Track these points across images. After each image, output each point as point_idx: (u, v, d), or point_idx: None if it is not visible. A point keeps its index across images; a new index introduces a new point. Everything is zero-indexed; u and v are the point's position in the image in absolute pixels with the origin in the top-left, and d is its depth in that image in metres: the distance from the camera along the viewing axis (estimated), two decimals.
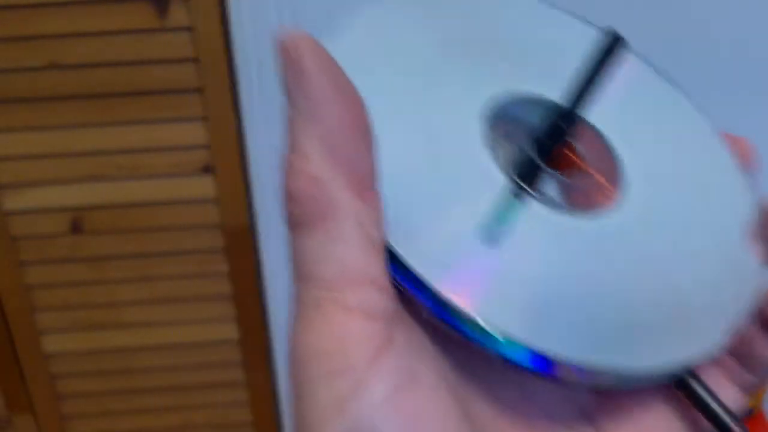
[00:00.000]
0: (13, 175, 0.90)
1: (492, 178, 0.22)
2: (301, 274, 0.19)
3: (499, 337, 0.20)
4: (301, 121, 0.19)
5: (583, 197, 0.24)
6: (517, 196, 0.22)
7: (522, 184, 0.22)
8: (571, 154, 0.24)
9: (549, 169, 0.23)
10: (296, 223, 0.19)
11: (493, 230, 0.21)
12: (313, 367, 0.18)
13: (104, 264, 0.96)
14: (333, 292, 0.19)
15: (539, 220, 0.22)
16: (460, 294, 0.20)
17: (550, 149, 0.23)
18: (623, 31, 0.22)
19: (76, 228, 0.94)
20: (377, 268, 0.19)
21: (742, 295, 0.23)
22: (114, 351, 1.02)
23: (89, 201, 0.92)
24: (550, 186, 0.23)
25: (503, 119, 0.24)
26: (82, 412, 1.06)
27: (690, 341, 0.22)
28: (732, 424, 0.23)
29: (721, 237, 0.24)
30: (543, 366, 0.20)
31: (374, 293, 0.19)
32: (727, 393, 0.24)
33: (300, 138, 0.19)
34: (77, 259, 0.95)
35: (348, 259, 0.19)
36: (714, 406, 0.23)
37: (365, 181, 0.19)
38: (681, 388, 0.23)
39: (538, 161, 0.23)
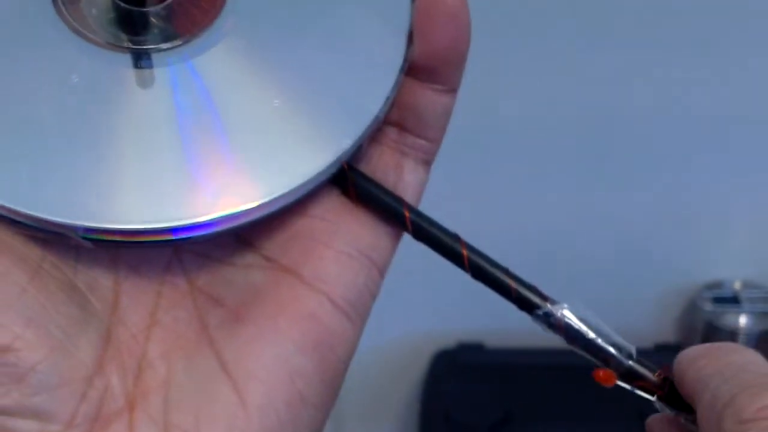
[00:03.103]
0: None
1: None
2: None
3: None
4: None
5: (188, 18, 0.23)
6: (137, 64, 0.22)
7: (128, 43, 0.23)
8: None
9: (140, 7, 0.23)
10: None
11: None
12: None
13: None
14: None
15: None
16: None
17: None
18: None
19: None
20: None
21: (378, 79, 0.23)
22: None
23: None
24: (157, 20, 0.23)
25: None
26: None
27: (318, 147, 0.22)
28: (395, 205, 0.23)
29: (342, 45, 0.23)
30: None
31: None
32: (401, 171, 0.24)
33: None
34: None
35: None
36: (377, 193, 0.23)
37: None
38: (342, 186, 0.23)
39: (126, 4, 0.23)
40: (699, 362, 0.23)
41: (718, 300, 0.89)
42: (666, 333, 0.94)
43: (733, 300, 0.89)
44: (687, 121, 0.84)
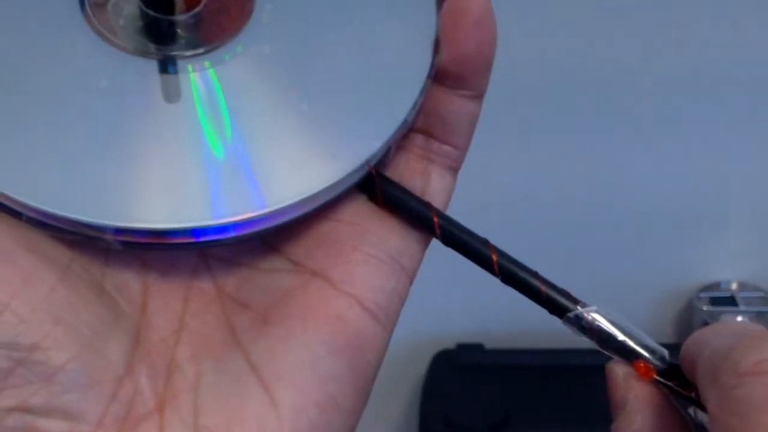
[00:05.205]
0: None
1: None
2: None
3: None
4: None
5: (217, 26, 0.24)
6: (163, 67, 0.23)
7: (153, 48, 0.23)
8: None
9: (167, 15, 0.23)
10: None
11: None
12: None
13: None
14: None
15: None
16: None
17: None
18: None
19: None
20: None
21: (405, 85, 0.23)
22: None
23: None
24: (185, 29, 0.24)
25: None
26: None
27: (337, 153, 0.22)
28: (423, 210, 0.23)
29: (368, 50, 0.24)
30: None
31: None
32: (428, 177, 0.24)
33: None
34: None
35: None
36: (405, 198, 0.23)
37: None
38: (369, 192, 0.23)
39: (154, 12, 0.23)
40: (702, 334, 0.23)
41: (716, 301, 0.89)
42: (663, 334, 0.94)
43: (731, 301, 0.89)
44: (685, 122, 0.84)
